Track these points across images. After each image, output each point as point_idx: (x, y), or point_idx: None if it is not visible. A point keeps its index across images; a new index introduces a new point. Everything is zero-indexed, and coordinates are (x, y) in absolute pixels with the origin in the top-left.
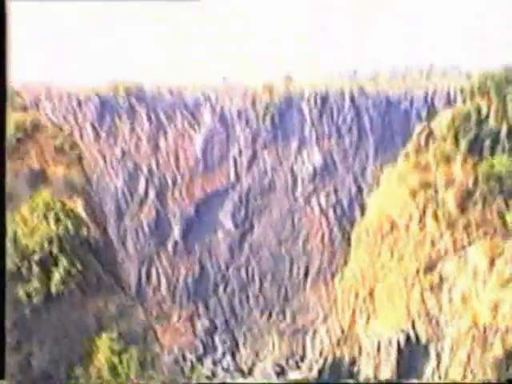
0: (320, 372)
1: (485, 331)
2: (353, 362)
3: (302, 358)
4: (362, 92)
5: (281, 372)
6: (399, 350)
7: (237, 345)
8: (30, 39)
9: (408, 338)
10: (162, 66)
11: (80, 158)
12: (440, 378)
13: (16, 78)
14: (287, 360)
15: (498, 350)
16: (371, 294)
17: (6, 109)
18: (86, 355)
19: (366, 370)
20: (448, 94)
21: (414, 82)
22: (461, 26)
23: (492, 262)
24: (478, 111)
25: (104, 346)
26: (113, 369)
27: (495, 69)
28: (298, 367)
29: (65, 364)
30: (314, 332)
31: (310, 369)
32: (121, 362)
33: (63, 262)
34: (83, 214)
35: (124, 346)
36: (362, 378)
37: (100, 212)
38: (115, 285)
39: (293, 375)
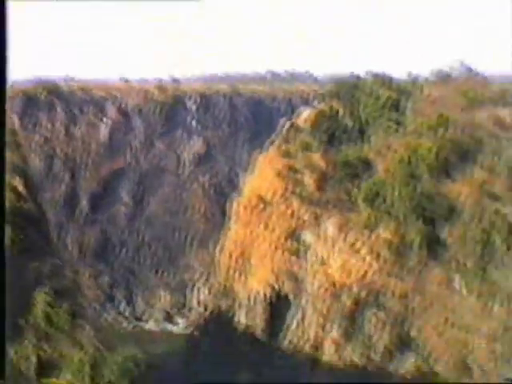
0: (204, 320)
1: (337, 287)
2: (231, 313)
3: (188, 309)
4: (236, 92)
5: (169, 319)
6: (270, 303)
7: (133, 296)
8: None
9: (276, 294)
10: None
11: (18, 144)
12: (304, 324)
13: None
14: (174, 309)
15: (347, 302)
16: (247, 257)
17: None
18: (26, 307)
19: (242, 319)
20: (307, 95)
21: (278, 86)
22: (314, 39)
23: (342, 232)
24: (332, 110)
25: (40, 298)
26: (48, 318)
27: (345, 75)
28: (184, 316)
29: (9, 314)
30: (198, 288)
31: (195, 317)
32: (54, 312)
33: (8, 230)
34: (22, 190)
35: (56, 299)
36: (239, 327)
37: (34, 188)
38: (47, 248)
39: (180, 321)
